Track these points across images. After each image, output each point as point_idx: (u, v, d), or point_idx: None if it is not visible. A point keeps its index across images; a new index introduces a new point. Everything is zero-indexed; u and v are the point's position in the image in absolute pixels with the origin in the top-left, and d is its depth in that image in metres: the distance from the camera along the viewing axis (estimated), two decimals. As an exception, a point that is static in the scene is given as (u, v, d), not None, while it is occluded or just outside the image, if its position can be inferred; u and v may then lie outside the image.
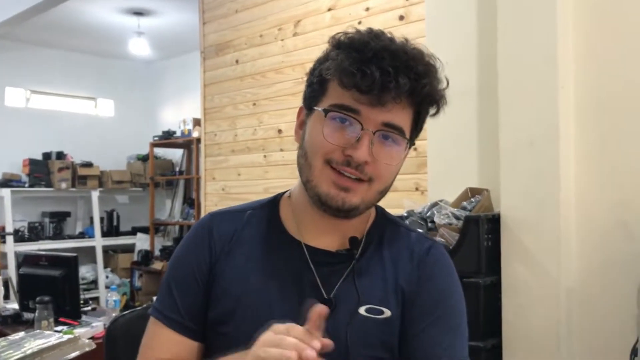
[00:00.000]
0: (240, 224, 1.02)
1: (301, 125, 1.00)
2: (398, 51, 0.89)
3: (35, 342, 1.73)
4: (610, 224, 1.80)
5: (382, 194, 0.97)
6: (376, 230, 1.03)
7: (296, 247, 0.99)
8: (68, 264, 2.74)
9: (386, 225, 1.05)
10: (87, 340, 1.91)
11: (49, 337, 1.82)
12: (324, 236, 1.00)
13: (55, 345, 1.73)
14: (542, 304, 1.85)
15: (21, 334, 1.89)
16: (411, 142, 0.96)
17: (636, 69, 1.77)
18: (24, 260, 2.89)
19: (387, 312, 0.96)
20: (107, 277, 6.17)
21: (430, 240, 1.07)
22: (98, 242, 6.15)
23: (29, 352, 1.63)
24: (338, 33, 0.95)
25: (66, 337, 1.85)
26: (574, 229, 1.85)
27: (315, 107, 0.95)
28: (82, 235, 6.25)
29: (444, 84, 0.95)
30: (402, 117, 0.92)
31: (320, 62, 0.96)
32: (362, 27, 0.96)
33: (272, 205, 1.05)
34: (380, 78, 0.86)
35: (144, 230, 6.52)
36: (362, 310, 0.95)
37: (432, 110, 0.96)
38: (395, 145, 0.93)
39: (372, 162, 0.91)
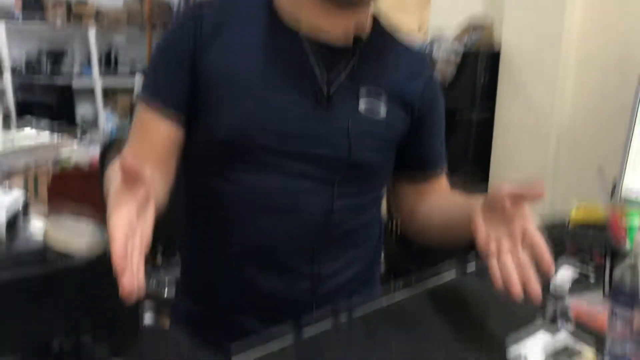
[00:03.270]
0: (229, 8, 0.96)
1: None
2: None
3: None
4: (608, 68, 1.78)
5: None
6: (376, 34, 1.01)
7: (294, 38, 0.95)
8: (62, 93, 2.74)
9: (385, 32, 1.04)
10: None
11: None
12: (325, 29, 0.95)
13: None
14: (531, 143, 1.87)
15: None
16: None
17: None
18: (20, 86, 2.88)
19: (382, 113, 0.97)
20: (106, 117, 6.18)
21: (428, 56, 1.07)
22: (96, 81, 6.09)
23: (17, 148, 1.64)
24: None
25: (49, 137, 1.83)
26: (572, 69, 1.82)
27: None
28: (79, 75, 6.17)
29: None
30: None
31: None
32: None
33: None
34: None
35: (143, 72, 6.42)
36: (361, 108, 0.95)
37: None
38: None
39: None
